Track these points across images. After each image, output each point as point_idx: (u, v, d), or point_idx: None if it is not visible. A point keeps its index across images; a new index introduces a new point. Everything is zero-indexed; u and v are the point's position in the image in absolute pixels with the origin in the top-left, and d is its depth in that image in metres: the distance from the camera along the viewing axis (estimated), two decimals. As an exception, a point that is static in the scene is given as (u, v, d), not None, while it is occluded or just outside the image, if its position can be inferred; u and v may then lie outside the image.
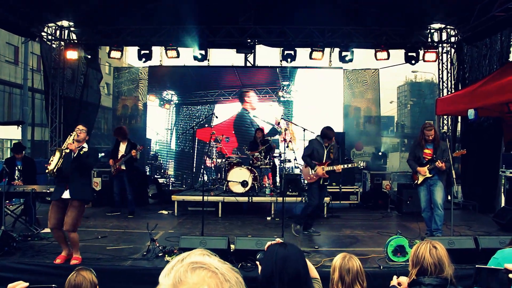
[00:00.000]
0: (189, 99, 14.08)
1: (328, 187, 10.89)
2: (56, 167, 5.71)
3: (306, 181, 8.46)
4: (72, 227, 5.65)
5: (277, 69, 13.81)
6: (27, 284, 2.15)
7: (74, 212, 5.66)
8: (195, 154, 13.70)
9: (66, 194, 5.71)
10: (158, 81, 14.10)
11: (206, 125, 13.88)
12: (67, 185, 5.72)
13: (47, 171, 5.72)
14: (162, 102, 13.98)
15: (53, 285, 2.33)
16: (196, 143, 13.62)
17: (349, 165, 8.36)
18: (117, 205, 9.98)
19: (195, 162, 13.61)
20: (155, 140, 14.08)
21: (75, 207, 5.68)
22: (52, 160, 5.77)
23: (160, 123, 14.09)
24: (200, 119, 13.35)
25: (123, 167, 9.67)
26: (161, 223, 8.41)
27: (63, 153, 5.72)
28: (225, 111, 13.91)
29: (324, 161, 7.75)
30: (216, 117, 13.07)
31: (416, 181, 7.46)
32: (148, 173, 13.56)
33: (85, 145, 5.96)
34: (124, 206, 9.91)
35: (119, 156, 9.71)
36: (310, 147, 7.89)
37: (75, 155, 5.73)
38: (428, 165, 7.20)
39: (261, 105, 13.96)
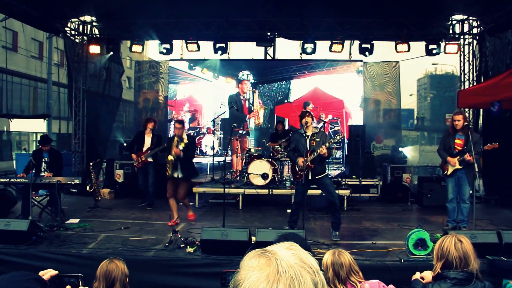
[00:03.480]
0: (265, 77, 14.16)
1: (347, 180, 10.92)
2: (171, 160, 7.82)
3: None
4: (183, 196, 7.99)
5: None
6: (57, 272, 2.26)
7: (184, 187, 7.94)
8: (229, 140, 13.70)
9: (177, 174, 7.90)
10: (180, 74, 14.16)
11: (285, 101, 14.01)
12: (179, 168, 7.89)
13: (167, 160, 7.85)
14: (238, 83, 14.08)
15: (80, 274, 2.41)
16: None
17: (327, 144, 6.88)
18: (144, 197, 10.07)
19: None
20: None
21: (184, 184, 7.96)
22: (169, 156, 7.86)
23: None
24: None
25: (150, 159, 9.67)
26: (182, 214, 8.53)
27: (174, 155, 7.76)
28: (301, 86, 14.04)
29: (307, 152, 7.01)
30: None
31: (445, 172, 7.43)
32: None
33: (184, 136, 7.81)
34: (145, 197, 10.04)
35: (144, 149, 9.68)
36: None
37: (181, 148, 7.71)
38: (458, 157, 7.16)
39: (338, 77, 13.83)
